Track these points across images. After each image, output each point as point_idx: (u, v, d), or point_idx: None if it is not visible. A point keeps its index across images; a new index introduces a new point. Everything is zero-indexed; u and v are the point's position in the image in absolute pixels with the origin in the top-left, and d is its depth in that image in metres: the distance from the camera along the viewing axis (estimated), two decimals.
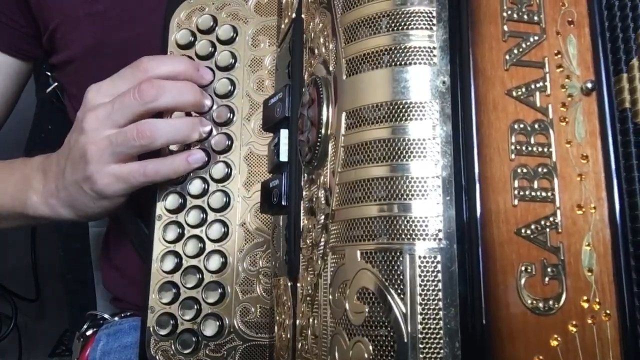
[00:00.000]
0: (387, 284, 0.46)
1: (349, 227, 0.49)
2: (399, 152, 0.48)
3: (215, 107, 0.77)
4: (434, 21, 0.49)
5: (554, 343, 0.45)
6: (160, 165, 0.72)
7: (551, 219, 0.46)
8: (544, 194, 0.47)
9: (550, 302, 0.45)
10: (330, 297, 0.50)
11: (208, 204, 0.75)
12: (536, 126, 0.48)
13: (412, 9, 0.50)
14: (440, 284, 0.45)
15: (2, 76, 0.95)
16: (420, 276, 0.45)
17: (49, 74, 0.96)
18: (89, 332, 0.89)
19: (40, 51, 0.96)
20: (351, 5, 0.52)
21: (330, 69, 0.55)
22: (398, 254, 0.46)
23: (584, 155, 0.48)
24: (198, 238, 0.75)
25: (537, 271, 0.45)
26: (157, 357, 0.73)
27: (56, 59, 0.93)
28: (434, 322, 0.44)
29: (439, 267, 0.45)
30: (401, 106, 0.48)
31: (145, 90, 0.69)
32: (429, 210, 0.46)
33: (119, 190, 0.72)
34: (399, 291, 0.45)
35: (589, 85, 0.49)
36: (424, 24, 0.49)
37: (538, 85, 0.48)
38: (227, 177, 0.76)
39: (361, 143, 0.50)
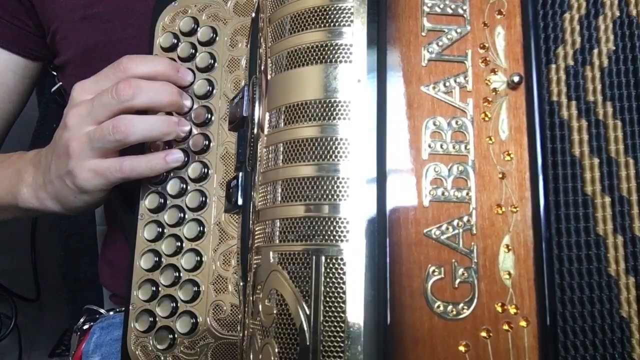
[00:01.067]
0: (293, 285, 0.45)
1: (269, 228, 0.49)
2: (321, 152, 0.47)
3: (194, 107, 0.78)
4: (352, 17, 0.48)
5: (462, 349, 0.43)
6: (137, 162, 0.73)
7: (465, 219, 0.44)
8: (458, 194, 0.45)
9: (460, 307, 0.43)
10: (251, 297, 0.50)
11: (186, 204, 0.77)
12: (453, 123, 0.46)
13: (337, 5, 0.49)
14: (345, 286, 0.44)
15: (13, 76, 0.99)
16: (326, 278, 0.44)
17: (54, 73, 1.00)
18: (85, 327, 0.92)
19: (48, 52, 0.99)
20: (278, 3, 0.52)
21: (262, 67, 0.54)
22: (306, 255, 0.45)
23: (507, 152, 0.46)
24: (175, 237, 0.76)
25: (446, 274, 0.44)
26: (137, 352, 0.75)
27: (57, 60, 0.96)
28: (337, 324, 0.44)
29: (345, 268, 0.44)
30: (323, 104, 0.48)
31: (122, 90, 0.70)
32: (341, 211, 0.45)
33: (98, 185, 0.74)
34: (304, 293, 0.45)
35: (516, 78, 0.46)
36: (345, 20, 0.48)
37: (458, 80, 0.46)
38: (204, 176, 0.77)
39: (284, 142, 0.49)
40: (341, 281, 0.44)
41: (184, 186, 0.77)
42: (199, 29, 0.81)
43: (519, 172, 0.45)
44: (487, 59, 0.47)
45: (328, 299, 0.44)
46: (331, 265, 0.44)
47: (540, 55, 0.47)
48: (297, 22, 0.49)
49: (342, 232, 0.45)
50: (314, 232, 0.45)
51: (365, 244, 0.44)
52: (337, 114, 0.47)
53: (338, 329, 0.43)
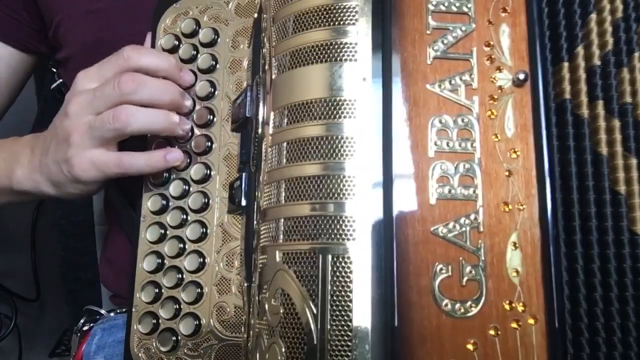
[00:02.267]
0: (300, 285, 0.45)
1: (274, 227, 0.49)
2: (327, 151, 0.47)
3: (196, 108, 0.78)
4: (357, 16, 0.48)
5: (470, 347, 0.43)
6: (136, 158, 0.73)
7: (472, 217, 0.44)
8: (465, 191, 0.45)
9: (468, 305, 0.43)
10: (257, 297, 0.49)
11: (188, 205, 0.76)
12: (459, 121, 0.46)
13: (342, 4, 0.49)
14: (352, 285, 0.44)
15: (5, 68, 0.97)
16: (332, 277, 0.44)
17: (54, 70, 1.00)
18: (85, 327, 0.91)
19: (45, 47, 0.99)
20: (282, 2, 0.52)
21: (266, 67, 0.54)
22: (313, 254, 0.45)
23: (513, 150, 0.46)
24: (178, 238, 0.76)
25: (453, 272, 0.44)
26: (140, 355, 0.75)
27: (59, 55, 0.96)
28: (344, 323, 0.43)
29: (352, 267, 0.44)
30: (328, 103, 0.48)
31: (125, 83, 0.70)
32: (347, 210, 0.45)
33: (93, 177, 0.73)
34: (311, 292, 0.44)
35: (521, 76, 0.46)
36: (350, 19, 0.48)
37: (463, 78, 0.46)
38: (206, 178, 0.77)
39: (289, 141, 0.49)
40: (348, 280, 0.44)
41: (187, 188, 0.77)
42: (200, 30, 0.81)
43: (525, 170, 0.45)
44: (493, 56, 0.47)
45: (335, 298, 0.44)
46: (338, 264, 0.44)
47: (545, 54, 0.47)
48: (302, 21, 0.49)
49: (348, 231, 0.45)
50: (320, 231, 0.45)
51: (371, 243, 0.44)
52: (342, 113, 0.47)
53: (345, 328, 0.43)
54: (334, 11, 0.48)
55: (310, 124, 0.48)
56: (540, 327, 0.43)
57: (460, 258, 0.44)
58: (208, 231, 0.75)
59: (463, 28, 0.47)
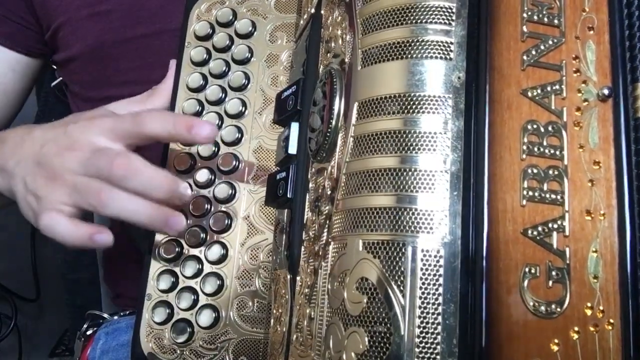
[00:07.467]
0: (387, 275, 0.45)
1: (353, 217, 0.48)
2: (409, 144, 0.47)
3: (227, 99, 0.77)
4: (453, 17, 0.49)
5: (554, 348, 0.44)
6: (62, 227, 0.67)
7: (559, 222, 0.45)
8: (553, 196, 0.46)
9: (553, 306, 0.44)
10: (329, 286, 0.49)
11: (213, 195, 0.75)
12: (549, 128, 0.47)
13: (432, 3, 0.49)
14: (441, 279, 0.44)
15: (13, 75, 0.95)
16: (421, 270, 0.44)
17: (54, 67, 0.97)
18: (89, 332, 0.88)
19: (47, 48, 0.96)
20: None
21: (346, 60, 0.54)
22: (401, 245, 0.45)
23: (596, 161, 0.47)
24: (200, 228, 0.74)
25: (541, 273, 0.44)
26: (150, 345, 0.72)
27: (58, 56, 0.93)
28: (433, 317, 0.44)
29: (442, 261, 0.44)
30: (415, 99, 0.48)
31: (117, 166, 0.64)
32: (435, 204, 0.46)
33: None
34: (399, 283, 0.44)
35: (606, 91, 0.48)
36: (443, 20, 0.49)
37: (554, 87, 0.48)
38: (234, 169, 0.76)
39: (372, 133, 0.49)
40: (437, 273, 0.44)
41: (213, 177, 0.76)
42: (236, 21, 0.80)
43: (606, 181, 0.47)
44: (579, 70, 0.49)
45: (424, 290, 0.44)
46: (427, 256, 0.44)
47: (626, 73, 0.49)
48: (396, 17, 0.50)
49: (439, 225, 0.45)
50: (409, 224, 0.45)
51: (461, 238, 0.45)
52: (436, 108, 0.47)
53: (433, 321, 0.43)
54: (432, 10, 0.49)
55: (399, 117, 0.48)
56: (616, 332, 0.45)
57: (547, 260, 0.45)
58: (233, 223, 0.74)
59: (554, 40, 0.49)
